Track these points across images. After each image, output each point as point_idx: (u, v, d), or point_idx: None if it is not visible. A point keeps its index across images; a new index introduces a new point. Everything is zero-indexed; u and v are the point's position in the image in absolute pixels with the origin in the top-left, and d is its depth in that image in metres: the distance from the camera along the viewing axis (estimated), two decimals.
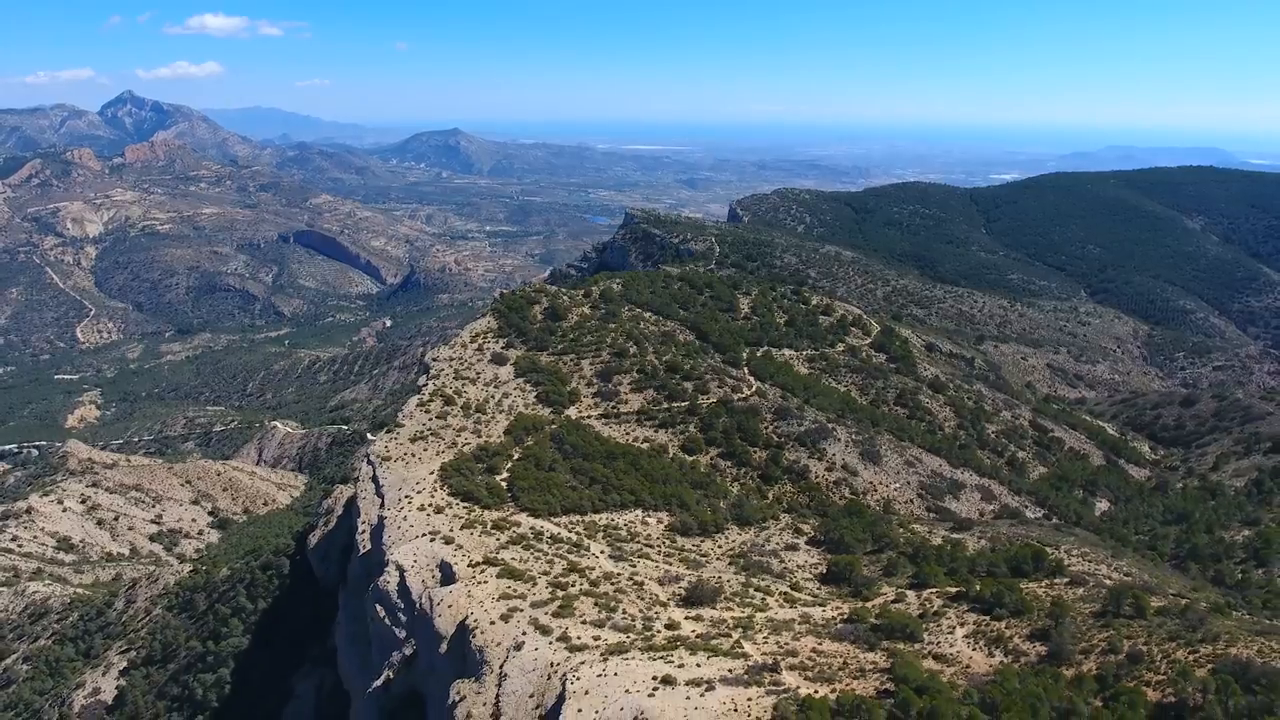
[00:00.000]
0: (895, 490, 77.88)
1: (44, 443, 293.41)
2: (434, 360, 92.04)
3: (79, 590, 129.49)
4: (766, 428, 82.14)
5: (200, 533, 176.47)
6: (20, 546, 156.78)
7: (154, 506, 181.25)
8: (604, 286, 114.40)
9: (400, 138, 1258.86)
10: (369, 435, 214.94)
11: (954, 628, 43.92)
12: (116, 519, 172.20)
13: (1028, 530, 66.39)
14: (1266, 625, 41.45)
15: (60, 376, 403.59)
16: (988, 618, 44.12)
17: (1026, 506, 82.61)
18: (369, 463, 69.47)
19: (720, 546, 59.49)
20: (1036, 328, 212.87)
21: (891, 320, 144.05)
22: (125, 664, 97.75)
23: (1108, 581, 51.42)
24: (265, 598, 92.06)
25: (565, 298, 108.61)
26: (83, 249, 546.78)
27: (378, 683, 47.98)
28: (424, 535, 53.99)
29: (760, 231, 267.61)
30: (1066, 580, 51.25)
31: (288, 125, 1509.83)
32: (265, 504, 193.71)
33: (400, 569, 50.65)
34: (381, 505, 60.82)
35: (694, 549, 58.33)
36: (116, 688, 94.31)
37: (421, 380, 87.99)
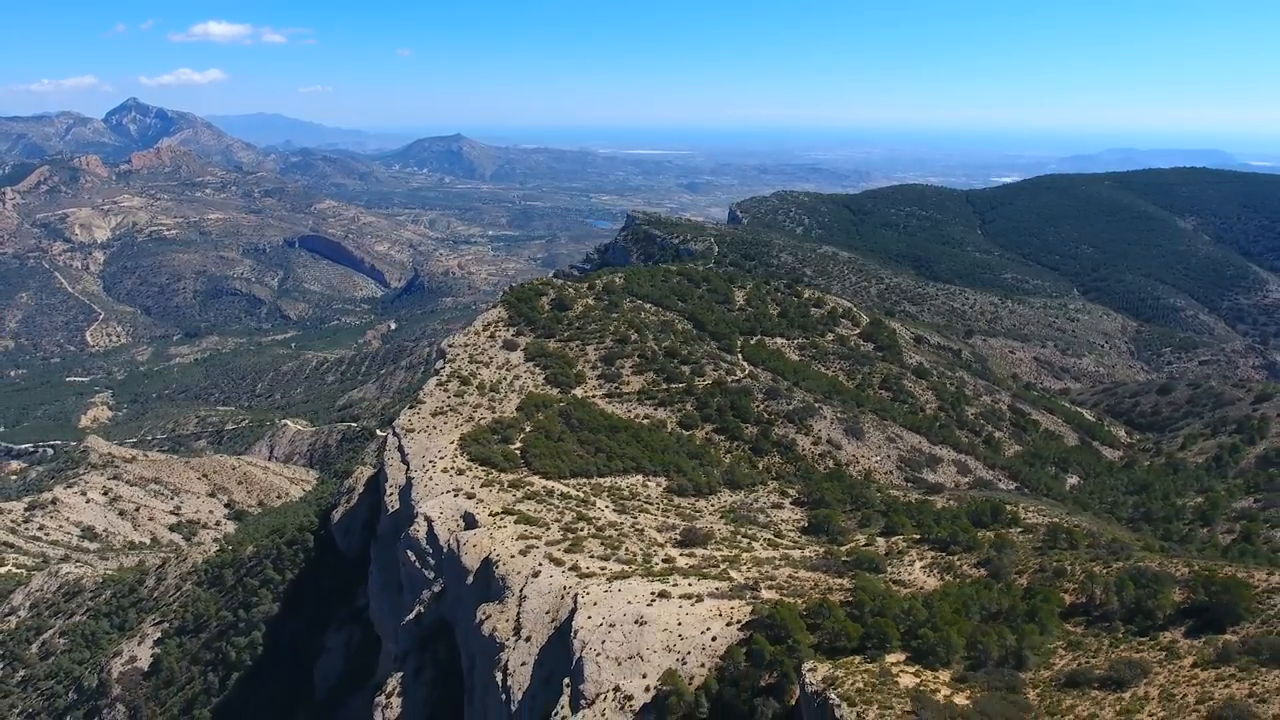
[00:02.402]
0: (876, 462, 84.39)
1: (59, 442, 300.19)
2: (450, 346, 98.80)
3: (108, 572, 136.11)
4: (758, 406, 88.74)
5: (217, 524, 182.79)
6: (47, 535, 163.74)
7: (172, 499, 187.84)
8: (607, 280, 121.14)
9: (403, 143, 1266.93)
10: (378, 431, 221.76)
11: (914, 561, 50.48)
12: (137, 510, 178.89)
13: (993, 494, 72.79)
14: (1180, 553, 47.90)
15: (71, 379, 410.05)
16: (943, 553, 50.66)
17: (1000, 480, 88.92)
18: (394, 434, 76.12)
19: (713, 505, 66.05)
20: (1026, 323, 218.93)
21: (884, 316, 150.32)
22: (159, 634, 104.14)
23: None
24: (292, 570, 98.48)
25: (571, 290, 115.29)
26: (91, 254, 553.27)
27: (410, 616, 54.53)
28: (448, 492, 60.57)
29: (759, 233, 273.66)
30: (1020, 529, 57.66)
31: (291, 131, 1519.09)
32: (279, 497, 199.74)
33: (429, 519, 57.22)
34: (408, 470, 67.41)
35: (689, 506, 64.94)
36: (152, 655, 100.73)
37: (439, 364, 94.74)
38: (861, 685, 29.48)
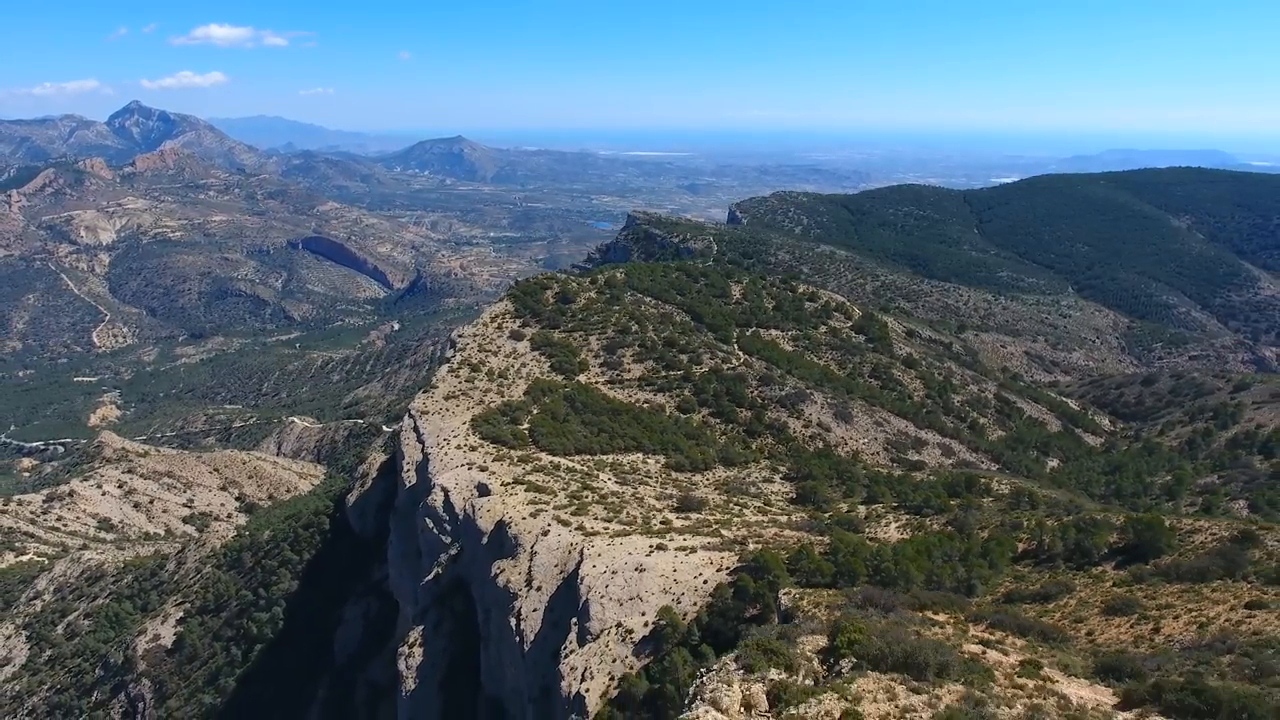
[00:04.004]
0: (864, 444, 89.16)
1: (69, 440, 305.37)
2: (459, 336, 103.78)
3: (129, 558, 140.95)
4: (752, 392, 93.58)
5: (229, 516, 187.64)
6: (65, 525, 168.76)
7: (185, 492, 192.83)
8: (609, 275, 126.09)
9: (404, 146, 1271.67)
10: (385, 428, 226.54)
11: (889, 524, 55.22)
12: (151, 502, 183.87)
13: (971, 470, 77.48)
14: (1123, 509, 52.61)
15: (79, 379, 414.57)
16: (917, 516, 55.43)
17: (983, 461, 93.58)
18: (410, 416, 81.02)
19: (708, 479, 70.84)
20: (1019, 319, 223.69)
21: (878, 311, 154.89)
22: (181, 614, 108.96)
23: None
24: (309, 550, 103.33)
25: (574, 284, 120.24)
26: (97, 256, 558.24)
27: (429, 577, 59.29)
28: (462, 466, 65.39)
29: (758, 232, 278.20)
30: (991, 498, 62.37)
31: (292, 134, 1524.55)
32: (288, 491, 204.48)
33: (445, 490, 62.05)
34: (423, 447, 72.27)
35: (686, 480, 69.76)
36: (175, 633, 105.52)
37: (449, 353, 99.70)
38: (824, 599, 34.30)
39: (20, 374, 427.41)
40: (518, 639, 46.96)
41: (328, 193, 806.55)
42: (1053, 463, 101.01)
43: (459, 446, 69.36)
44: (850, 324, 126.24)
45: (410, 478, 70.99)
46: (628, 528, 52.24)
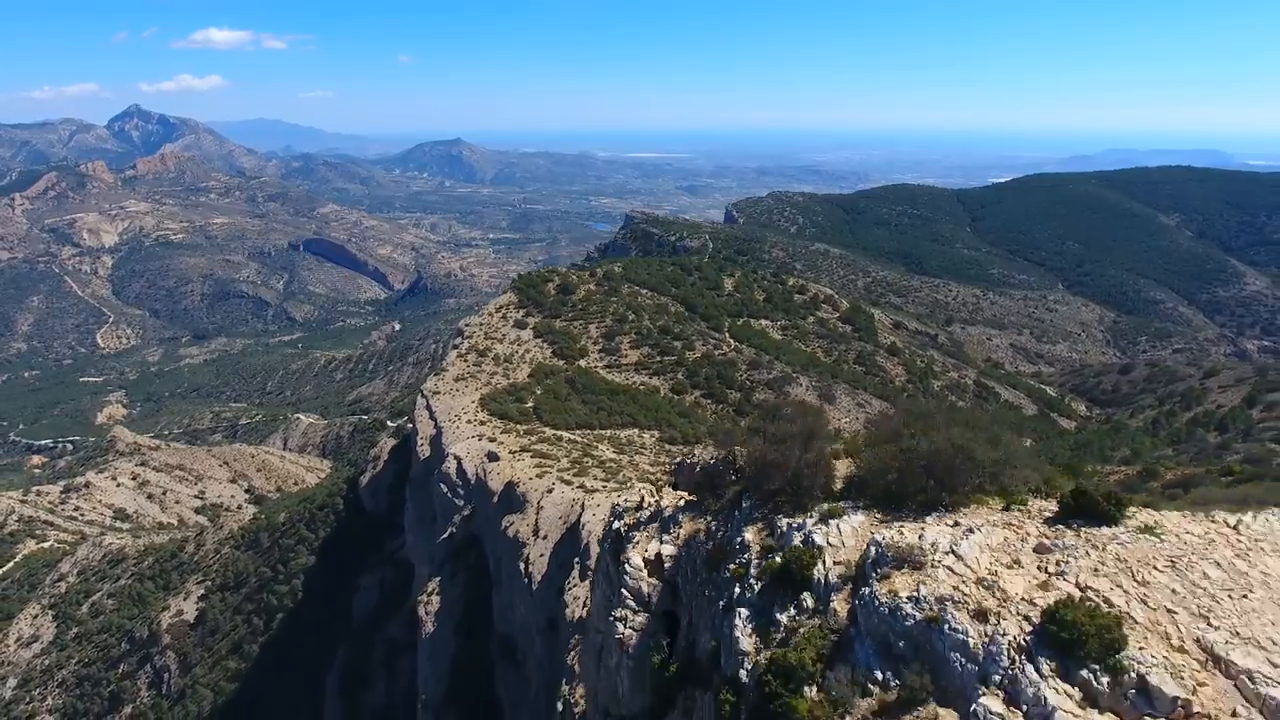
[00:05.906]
0: (845, 423, 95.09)
1: (77, 438, 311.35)
2: (466, 325, 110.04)
3: (146, 544, 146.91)
4: (741, 375, 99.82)
5: (239, 507, 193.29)
6: (83, 515, 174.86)
7: (196, 484, 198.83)
8: (607, 268, 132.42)
9: (403, 148, 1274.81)
10: (389, 423, 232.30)
11: None
12: (164, 494, 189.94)
13: None
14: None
15: (85, 379, 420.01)
16: None
17: None
18: (422, 395, 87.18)
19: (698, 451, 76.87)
20: (1006, 314, 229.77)
21: (867, 304, 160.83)
22: (203, 591, 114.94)
23: None
24: (324, 529, 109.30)
25: (575, 277, 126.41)
26: (99, 258, 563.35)
27: (444, 536, 65.32)
28: (473, 438, 71.47)
29: (753, 231, 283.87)
30: None
31: (291, 136, 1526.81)
32: (295, 484, 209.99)
33: (458, 458, 68.10)
34: (436, 423, 78.33)
35: (678, 451, 75.72)
36: (197, 609, 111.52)
37: (457, 340, 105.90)
38: None
39: (26, 375, 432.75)
40: (526, 580, 52.96)
41: (327, 195, 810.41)
42: (1026, 442, 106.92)
43: (469, 421, 75.49)
44: (838, 315, 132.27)
45: (424, 450, 77.04)
46: (624, 486, 58.19)
